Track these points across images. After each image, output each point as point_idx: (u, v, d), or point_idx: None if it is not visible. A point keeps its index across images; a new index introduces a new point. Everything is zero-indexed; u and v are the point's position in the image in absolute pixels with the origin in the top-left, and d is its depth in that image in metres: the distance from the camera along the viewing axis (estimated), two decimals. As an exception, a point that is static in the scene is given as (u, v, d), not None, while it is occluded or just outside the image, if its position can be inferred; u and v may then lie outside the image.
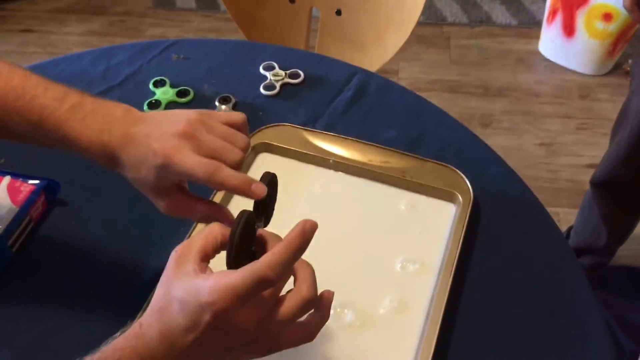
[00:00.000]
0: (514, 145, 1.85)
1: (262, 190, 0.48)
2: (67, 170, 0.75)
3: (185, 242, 0.45)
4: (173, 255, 0.44)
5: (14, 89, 0.52)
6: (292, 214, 0.72)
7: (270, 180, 0.50)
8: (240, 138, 0.52)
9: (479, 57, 2.18)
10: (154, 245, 0.69)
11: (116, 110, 0.52)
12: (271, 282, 0.41)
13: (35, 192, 0.70)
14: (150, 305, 0.44)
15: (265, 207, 0.51)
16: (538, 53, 2.18)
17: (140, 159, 0.50)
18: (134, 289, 0.65)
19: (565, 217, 1.63)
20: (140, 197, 0.72)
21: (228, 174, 0.48)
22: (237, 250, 0.44)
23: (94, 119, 0.51)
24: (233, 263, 0.44)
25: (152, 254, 0.68)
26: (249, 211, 0.46)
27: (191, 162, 0.48)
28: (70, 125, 0.51)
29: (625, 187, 1.23)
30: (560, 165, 1.81)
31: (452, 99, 1.97)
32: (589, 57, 2.04)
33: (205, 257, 0.44)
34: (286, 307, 0.43)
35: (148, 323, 0.43)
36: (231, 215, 0.54)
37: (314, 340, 0.47)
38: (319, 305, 0.46)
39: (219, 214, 0.53)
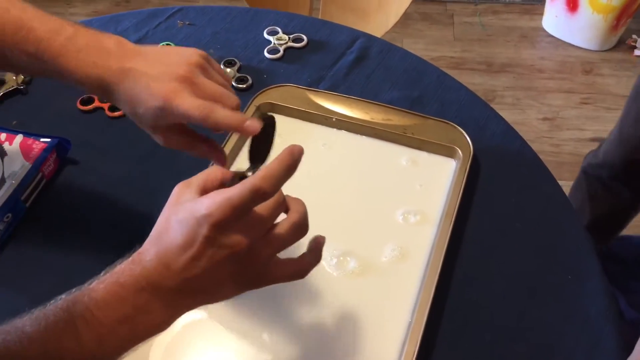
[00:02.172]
0: (518, 120, 1.86)
1: (256, 126, 0.48)
2: (78, 130, 0.78)
3: (184, 181, 0.46)
4: (174, 189, 0.46)
5: (12, 21, 0.52)
6: (298, 171, 0.74)
7: (266, 120, 0.50)
8: (232, 92, 0.53)
9: (482, 33, 2.18)
10: (164, 202, 0.70)
11: (109, 42, 0.53)
12: (265, 193, 0.42)
13: (47, 150, 0.72)
14: (149, 235, 0.45)
15: (261, 149, 0.51)
16: (541, 29, 2.18)
17: (137, 97, 0.51)
18: (144, 242, 0.67)
19: (567, 190, 1.64)
20: (149, 155, 0.74)
21: (223, 114, 0.49)
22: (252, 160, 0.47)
23: (88, 51, 0.52)
24: None
25: (162, 209, 0.70)
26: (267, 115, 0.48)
27: (188, 104, 0.49)
28: (65, 58, 0.52)
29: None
30: (563, 139, 1.82)
31: (455, 76, 1.95)
32: (592, 32, 2.04)
33: (204, 192, 0.45)
34: (278, 229, 0.44)
35: (146, 249, 0.43)
36: (226, 158, 0.56)
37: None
38: (311, 246, 0.48)
39: (215, 153, 0.55)
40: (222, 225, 0.41)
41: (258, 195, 0.41)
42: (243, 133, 0.49)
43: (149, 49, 0.54)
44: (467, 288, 0.64)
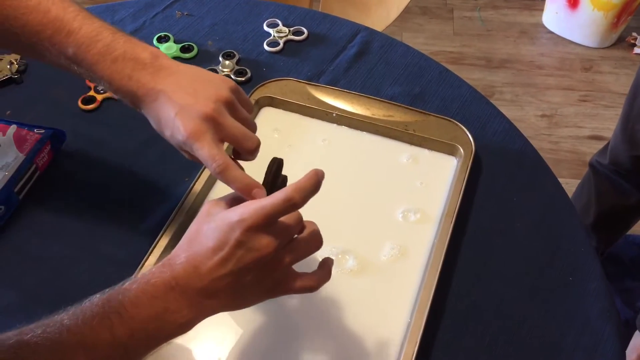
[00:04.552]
0: (516, 116, 1.85)
1: (261, 195, 0.49)
2: (73, 122, 0.76)
3: (212, 200, 0.50)
4: (204, 206, 0.49)
5: (52, 22, 0.53)
6: (296, 167, 0.72)
7: (276, 166, 0.52)
8: (253, 123, 0.56)
9: (482, 29, 2.17)
10: (159, 194, 0.70)
11: (144, 54, 0.53)
12: (295, 204, 0.46)
13: (41, 141, 0.70)
14: (179, 243, 0.48)
15: (271, 187, 0.52)
16: (541, 25, 2.17)
17: (163, 122, 0.52)
18: (139, 235, 0.66)
19: (565, 187, 1.63)
20: (145, 148, 0.73)
21: (234, 175, 0.50)
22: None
23: (123, 64, 0.52)
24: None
25: (157, 201, 0.69)
26: (279, 159, 0.52)
27: (207, 152, 0.50)
28: (101, 67, 0.53)
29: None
30: (562, 136, 1.82)
31: (454, 71, 1.95)
32: (592, 29, 2.03)
33: None
34: (299, 239, 0.48)
35: (176, 254, 0.46)
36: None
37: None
38: (322, 265, 0.52)
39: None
40: (253, 229, 0.44)
41: (290, 204, 0.45)
42: (247, 197, 0.50)
43: (182, 69, 0.54)
44: (467, 288, 0.63)
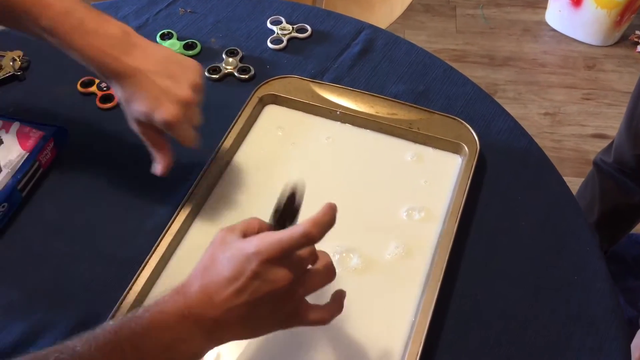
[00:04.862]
0: (519, 114, 1.84)
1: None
2: (77, 119, 0.76)
3: (226, 227, 0.49)
4: (218, 233, 0.49)
5: None
6: (300, 165, 0.73)
7: (290, 197, 0.50)
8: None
9: (485, 26, 2.16)
10: (163, 193, 0.69)
11: (115, 30, 0.58)
12: (313, 238, 0.45)
13: (45, 138, 0.70)
14: (193, 270, 0.47)
15: (289, 213, 0.51)
16: (545, 23, 2.17)
17: (133, 98, 0.57)
18: (142, 233, 0.66)
19: (569, 186, 1.63)
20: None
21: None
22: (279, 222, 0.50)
23: (95, 38, 0.56)
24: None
25: (161, 200, 0.69)
26: (296, 187, 0.50)
27: (188, 135, 0.59)
28: (75, 41, 0.56)
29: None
30: (565, 135, 1.81)
31: (457, 69, 1.96)
32: (596, 27, 2.02)
33: (245, 236, 0.48)
34: (313, 271, 0.48)
35: (190, 282, 0.46)
36: (170, 164, 0.63)
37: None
38: (334, 297, 0.52)
39: (168, 159, 0.62)
40: (270, 262, 0.44)
41: (308, 239, 0.45)
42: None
43: (153, 48, 0.59)
44: (472, 287, 0.63)
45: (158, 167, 0.62)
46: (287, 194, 0.50)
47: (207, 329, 0.44)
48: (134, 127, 0.61)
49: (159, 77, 0.57)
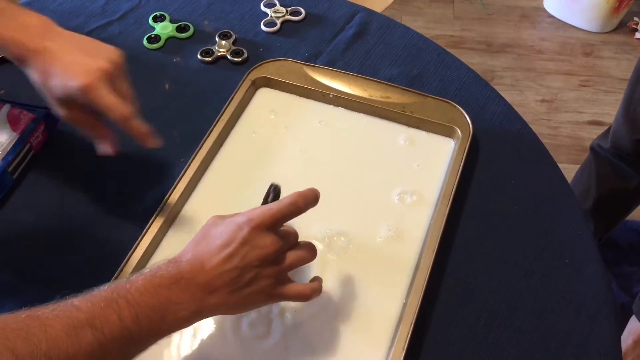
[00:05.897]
0: (516, 101, 1.84)
1: (154, 144, 0.58)
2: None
3: (217, 215, 0.52)
4: (209, 220, 0.51)
5: None
6: (293, 148, 0.72)
7: (274, 191, 0.56)
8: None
9: (482, 12, 2.15)
10: (154, 175, 0.69)
11: (34, 19, 0.57)
12: (299, 208, 0.50)
13: (35, 121, 0.70)
14: (187, 245, 0.50)
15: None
16: (543, 9, 2.15)
17: (47, 74, 0.55)
18: (134, 215, 0.65)
19: (564, 172, 1.63)
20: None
21: (137, 124, 0.57)
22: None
23: (13, 22, 0.56)
24: None
25: (152, 182, 0.68)
26: (278, 185, 0.55)
27: (111, 101, 0.55)
28: None
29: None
30: (561, 121, 1.81)
31: (454, 55, 1.96)
32: (594, 14, 2.01)
33: None
34: (297, 246, 0.52)
35: (183, 253, 0.49)
36: (114, 141, 0.60)
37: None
38: (314, 279, 0.55)
39: (106, 137, 0.60)
40: (260, 228, 0.48)
41: (294, 207, 0.50)
42: (142, 145, 0.58)
43: (70, 34, 0.59)
44: (463, 270, 0.63)
45: (104, 147, 0.60)
46: (270, 193, 0.55)
47: (197, 295, 0.46)
48: (59, 112, 0.58)
49: (73, 53, 0.56)
